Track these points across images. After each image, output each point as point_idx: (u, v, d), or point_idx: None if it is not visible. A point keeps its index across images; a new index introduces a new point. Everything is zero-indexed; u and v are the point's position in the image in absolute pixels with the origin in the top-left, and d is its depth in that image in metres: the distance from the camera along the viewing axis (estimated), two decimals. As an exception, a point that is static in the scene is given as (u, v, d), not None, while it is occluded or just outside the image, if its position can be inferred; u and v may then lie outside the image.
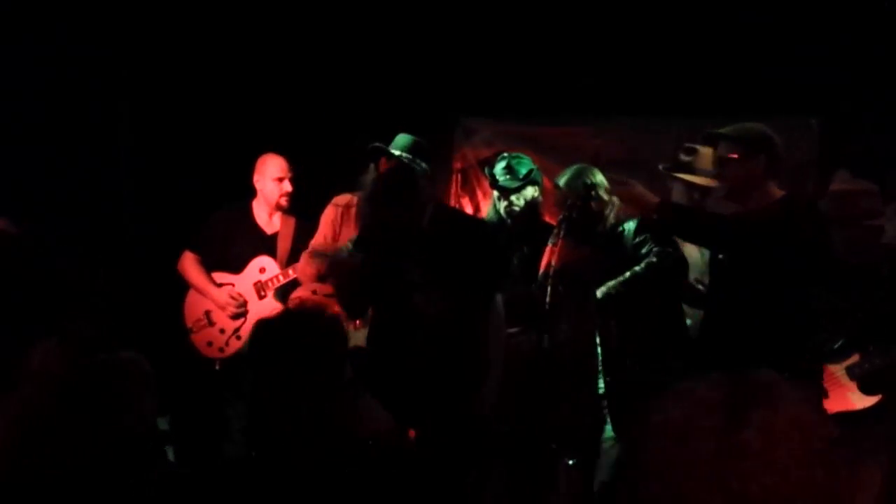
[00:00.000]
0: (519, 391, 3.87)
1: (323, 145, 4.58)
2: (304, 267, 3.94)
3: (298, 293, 4.03)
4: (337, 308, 3.80)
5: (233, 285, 4.24)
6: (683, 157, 4.07)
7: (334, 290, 3.71)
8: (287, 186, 4.26)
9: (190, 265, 4.31)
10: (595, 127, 5.06)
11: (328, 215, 3.96)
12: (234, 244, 4.28)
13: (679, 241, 3.81)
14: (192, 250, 4.33)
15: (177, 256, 4.37)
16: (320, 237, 3.95)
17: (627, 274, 3.68)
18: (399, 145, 3.84)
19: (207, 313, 4.24)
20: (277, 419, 2.13)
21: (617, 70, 4.85)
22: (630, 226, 3.79)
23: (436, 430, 3.18)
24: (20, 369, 2.30)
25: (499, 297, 3.48)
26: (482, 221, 3.82)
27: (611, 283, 3.70)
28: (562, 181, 3.90)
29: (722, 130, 3.26)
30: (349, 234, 3.82)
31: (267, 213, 4.34)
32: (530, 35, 4.91)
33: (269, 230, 4.33)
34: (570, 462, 3.73)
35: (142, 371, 2.07)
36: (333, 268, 3.64)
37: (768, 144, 3.19)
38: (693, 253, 4.04)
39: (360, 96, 4.91)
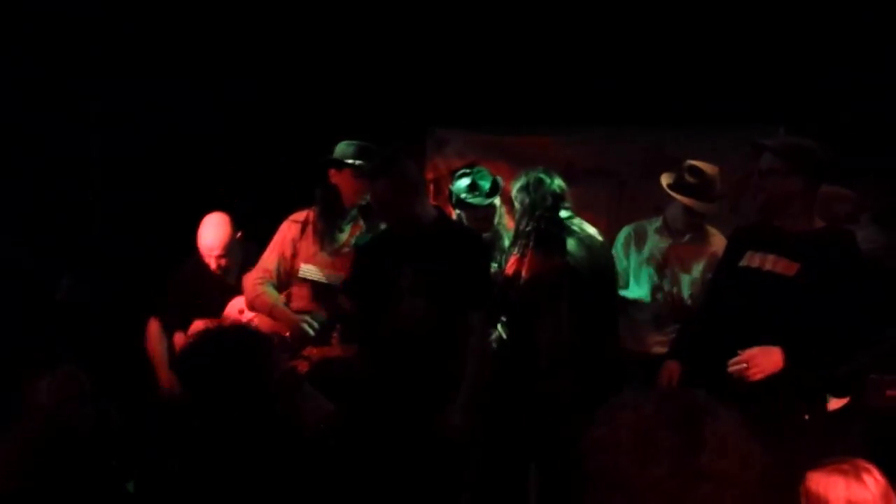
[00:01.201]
0: (491, 398, 3.88)
1: (293, 158, 4.55)
2: (252, 288, 3.83)
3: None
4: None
5: None
6: (689, 178, 4.00)
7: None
8: (212, 263, 4.04)
9: (153, 337, 4.11)
10: (567, 136, 5.08)
11: (286, 232, 3.87)
12: (201, 299, 4.06)
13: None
14: (158, 317, 4.14)
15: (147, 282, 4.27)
16: (274, 255, 3.85)
17: None
18: (347, 153, 3.83)
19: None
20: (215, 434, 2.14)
21: (588, 79, 4.88)
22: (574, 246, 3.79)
23: (407, 437, 3.20)
24: (24, 398, 2.30)
25: (481, 316, 3.45)
26: (480, 236, 3.75)
27: None
28: (517, 186, 3.88)
29: (768, 142, 3.18)
30: (307, 249, 3.82)
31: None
32: (501, 45, 4.93)
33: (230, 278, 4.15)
34: (542, 468, 3.73)
35: (80, 384, 2.12)
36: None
37: (811, 165, 3.09)
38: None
39: (331, 108, 4.90)
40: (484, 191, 3.99)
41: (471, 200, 3.99)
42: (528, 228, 3.70)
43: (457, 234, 3.56)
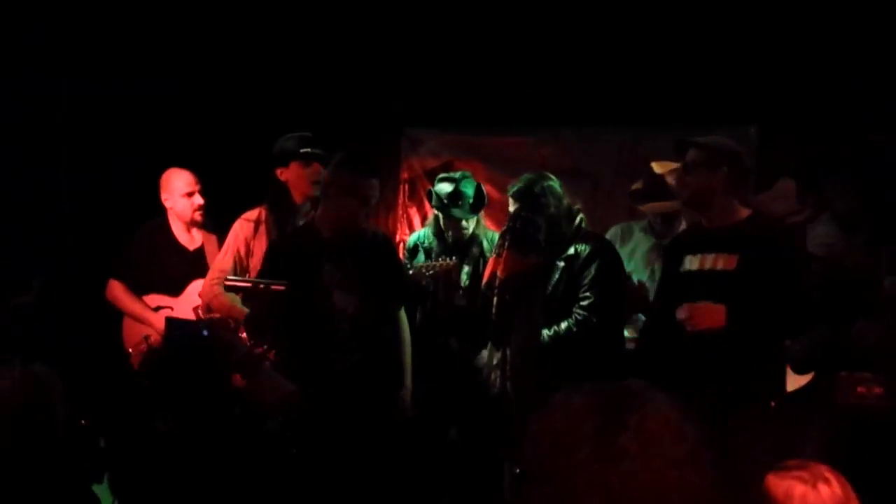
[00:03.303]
0: (466, 400, 3.90)
1: (266, 157, 4.53)
2: (209, 290, 3.84)
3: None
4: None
5: (171, 308, 4.10)
6: (645, 184, 4.10)
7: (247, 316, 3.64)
8: (198, 200, 4.13)
9: (120, 293, 4.13)
10: (541, 137, 5.10)
11: (240, 231, 3.88)
12: (160, 265, 4.13)
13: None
14: (118, 278, 4.16)
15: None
16: (229, 256, 3.85)
17: (552, 331, 3.62)
18: (289, 147, 3.86)
19: (146, 337, 4.07)
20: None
21: (561, 80, 4.90)
22: (584, 250, 3.67)
23: (356, 428, 3.24)
24: None
25: (402, 311, 3.60)
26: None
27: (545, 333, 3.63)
28: (512, 190, 3.88)
29: (692, 138, 3.30)
30: (261, 247, 3.80)
31: (184, 230, 4.21)
32: (475, 45, 4.94)
33: (191, 246, 4.20)
34: (518, 470, 3.74)
35: (54, 383, 2.14)
36: (254, 298, 3.57)
37: (733, 159, 3.24)
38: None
39: (304, 108, 4.89)
40: (468, 201, 3.99)
41: (456, 213, 4.00)
42: (503, 229, 3.72)
43: (370, 235, 3.64)
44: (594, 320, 3.56)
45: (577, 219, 3.71)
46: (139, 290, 4.14)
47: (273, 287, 3.40)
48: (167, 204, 4.18)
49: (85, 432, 2.26)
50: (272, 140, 3.99)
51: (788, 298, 3.07)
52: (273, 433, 3.09)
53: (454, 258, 4.01)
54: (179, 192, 4.13)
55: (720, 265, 3.18)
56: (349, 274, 3.44)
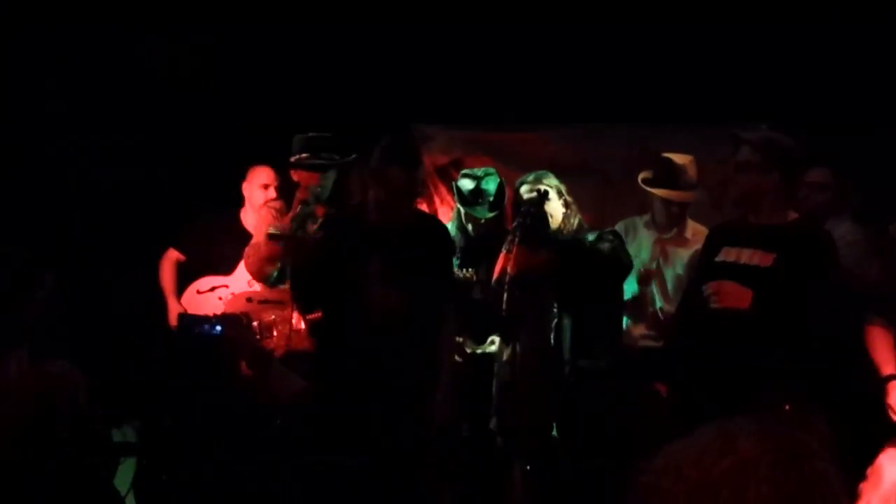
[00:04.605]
0: (474, 395, 3.88)
1: (274, 154, 4.54)
2: (248, 257, 4.04)
3: (233, 302, 4.12)
4: (267, 315, 3.94)
5: (227, 286, 4.28)
6: (660, 171, 4.08)
7: (291, 275, 3.76)
8: (272, 193, 4.37)
9: (167, 265, 4.39)
10: (550, 133, 5.09)
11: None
12: (221, 248, 4.34)
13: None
14: (177, 249, 4.41)
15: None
16: (262, 236, 4.05)
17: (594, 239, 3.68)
18: (293, 149, 4.09)
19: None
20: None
21: (571, 76, 4.89)
22: (590, 237, 3.73)
23: (387, 429, 3.21)
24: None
25: (451, 307, 3.48)
26: (446, 228, 3.79)
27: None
28: (519, 186, 3.88)
29: (747, 135, 3.23)
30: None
31: (253, 218, 4.40)
32: (484, 41, 4.93)
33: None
34: (528, 467, 3.74)
35: (78, 379, 2.15)
36: (293, 247, 3.71)
37: (787, 162, 3.16)
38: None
39: (314, 104, 4.88)
40: (488, 199, 3.96)
41: (477, 213, 3.97)
42: (513, 224, 3.71)
43: (425, 224, 3.57)
44: (613, 245, 3.64)
45: (577, 218, 3.78)
46: (195, 270, 4.34)
47: (313, 237, 3.53)
48: (245, 192, 4.41)
49: (99, 425, 2.26)
50: (276, 136, 4.14)
51: (817, 306, 3.04)
52: (283, 429, 3.08)
53: (471, 270, 3.98)
54: (258, 183, 4.37)
55: (755, 261, 3.15)
56: (391, 265, 3.35)
